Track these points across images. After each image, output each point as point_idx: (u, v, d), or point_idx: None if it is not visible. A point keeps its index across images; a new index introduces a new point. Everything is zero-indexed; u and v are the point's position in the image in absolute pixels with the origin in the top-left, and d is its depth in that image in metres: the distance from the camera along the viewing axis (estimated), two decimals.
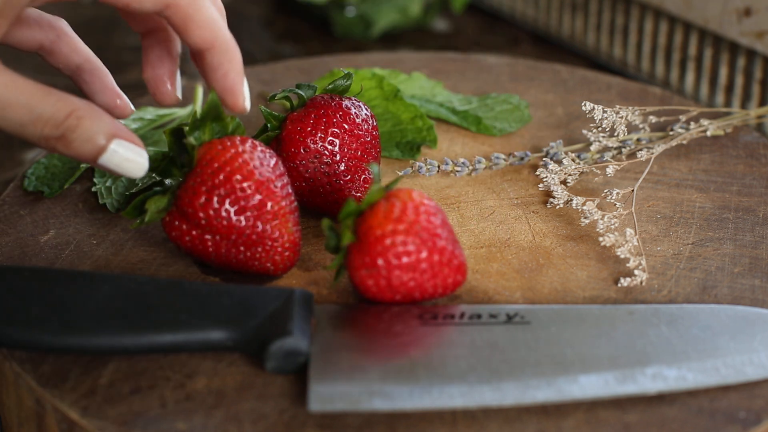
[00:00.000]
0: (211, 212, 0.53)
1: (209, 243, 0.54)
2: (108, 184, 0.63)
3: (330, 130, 0.59)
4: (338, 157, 0.59)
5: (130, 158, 0.52)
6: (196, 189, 0.53)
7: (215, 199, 0.53)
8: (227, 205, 0.53)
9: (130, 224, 0.56)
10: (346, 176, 0.59)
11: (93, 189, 0.63)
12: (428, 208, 0.52)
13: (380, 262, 0.51)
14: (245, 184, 0.53)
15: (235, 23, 1.04)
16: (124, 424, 0.47)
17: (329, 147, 0.59)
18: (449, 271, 0.53)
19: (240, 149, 0.53)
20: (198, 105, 0.73)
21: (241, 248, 0.54)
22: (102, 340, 0.50)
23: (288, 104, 0.61)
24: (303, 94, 0.60)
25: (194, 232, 0.53)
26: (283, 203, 0.54)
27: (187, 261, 0.58)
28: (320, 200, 0.60)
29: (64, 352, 0.50)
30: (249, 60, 0.96)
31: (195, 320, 0.50)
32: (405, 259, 0.51)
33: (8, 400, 0.53)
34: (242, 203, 0.53)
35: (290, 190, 0.55)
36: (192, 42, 0.54)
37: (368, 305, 0.54)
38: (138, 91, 0.90)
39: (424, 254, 0.52)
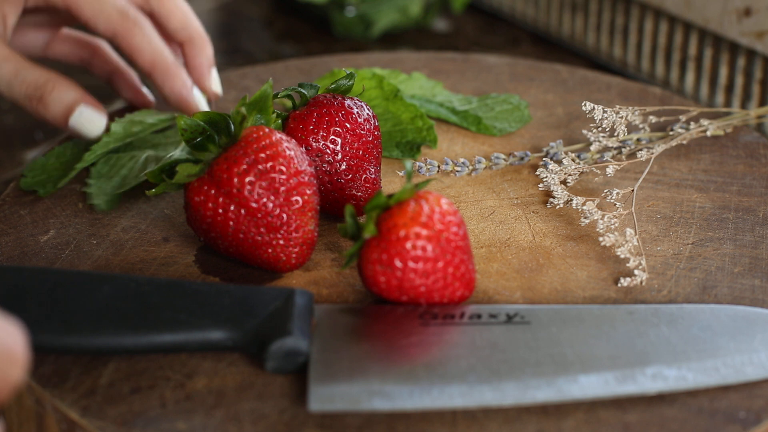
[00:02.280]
0: (247, 181, 0.53)
1: (232, 215, 0.54)
2: (101, 184, 0.63)
3: (332, 129, 0.59)
4: (340, 156, 0.59)
5: (93, 120, 0.65)
6: (238, 159, 0.53)
7: (254, 172, 0.53)
8: (263, 182, 0.53)
9: (147, 192, 0.56)
10: (348, 175, 0.59)
11: (85, 189, 0.63)
12: (454, 219, 0.52)
13: (398, 262, 0.51)
14: (284, 168, 0.54)
15: (235, 23, 1.04)
16: (124, 424, 0.47)
17: (331, 146, 0.59)
18: (459, 284, 0.53)
19: (285, 139, 0.55)
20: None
21: (262, 230, 0.54)
22: (102, 340, 0.50)
23: (290, 103, 0.61)
24: (305, 93, 0.60)
25: (221, 200, 0.54)
26: (312, 200, 0.55)
27: (187, 261, 0.58)
28: (321, 199, 0.60)
29: (64, 352, 0.50)
30: (249, 60, 0.96)
31: (195, 320, 0.50)
32: (422, 265, 0.51)
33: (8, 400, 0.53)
34: (276, 185, 0.53)
35: (317, 192, 0.56)
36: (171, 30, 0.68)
37: (368, 305, 0.54)
38: None
39: (440, 264, 0.52)
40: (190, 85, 0.67)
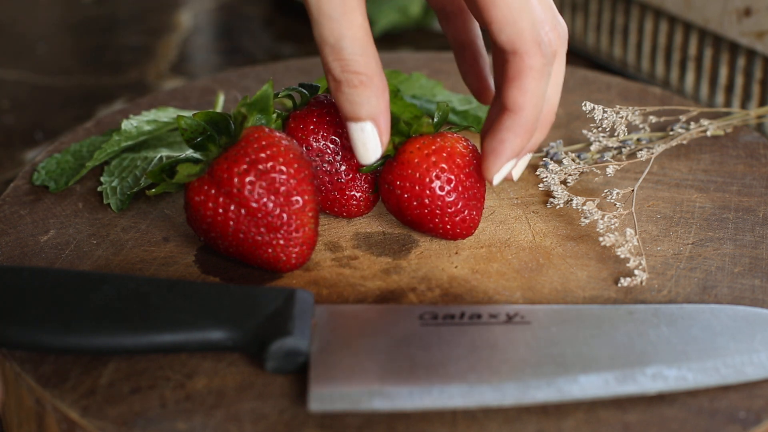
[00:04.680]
0: (248, 181, 0.53)
1: (232, 215, 0.54)
2: (114, 184, 0.63)
3: (333, 129, 0.59)
4: (340, 156, 0.59)
5: (367, 145, 0.54)
6: (238, 159, 0.53)
7: (254, 172, 0.53)
8: (263, 182, 0.53)
9: (147, 192, 0.56)
10: (348, 175, 0.59)
11: (98, 189, 0.63)
12: (465, 159, 0.57)
13: (398, 182, 0.56)
14: (284, 168, 0.54)
15: (235, 23, 1.04)
16: (124, 424, 0.47)
17: (331, 146, 0.59)
18: (468, 213, 0.58)
19: (285, 139, 0.55)
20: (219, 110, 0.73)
21: (262, 230, 0.54)
22: (102, 340, 0.50)
23: (290, 103, 0.61)
24: (306, 93, 0.60)
25: (221, 200, 0.54)
26: (312, 200, 0.55)
27: (187, 261, 0.58)
28: (321, 198, 0.60)
29: (64, 352, 0.50)
30: (249, 60, 0.96)
31: (195, 320, 0.50)
32: (438, 185, 0.56)
33: (8, 400, 0.53)
34: (277, 185, 0.54)
35: (317, 192, 0.56)
36: (491, 32, 0.53)
37: (368, 305, 0.54)
38: (139, 91, 0.90)
39: (449, 187, 0.56)
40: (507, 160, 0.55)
